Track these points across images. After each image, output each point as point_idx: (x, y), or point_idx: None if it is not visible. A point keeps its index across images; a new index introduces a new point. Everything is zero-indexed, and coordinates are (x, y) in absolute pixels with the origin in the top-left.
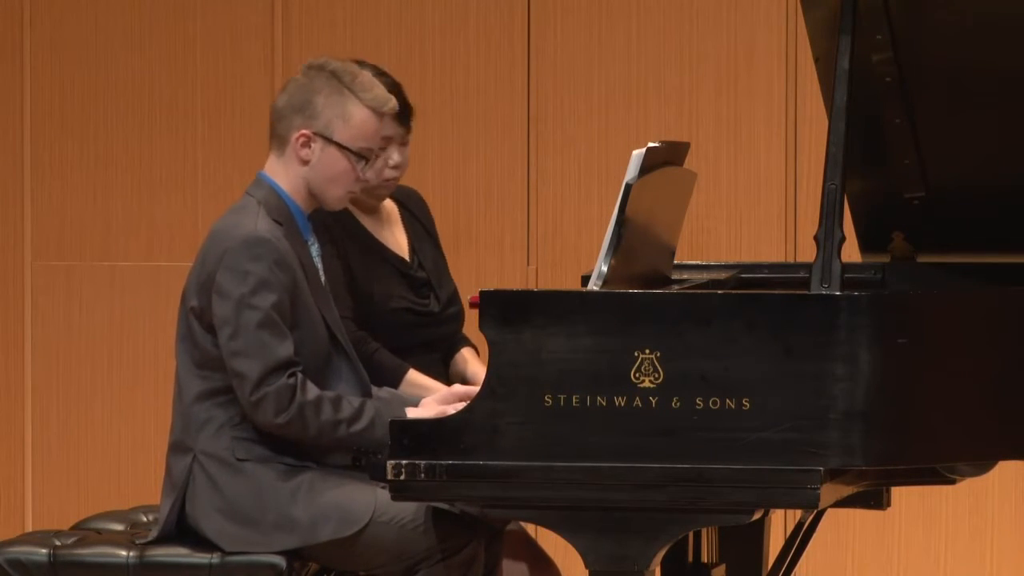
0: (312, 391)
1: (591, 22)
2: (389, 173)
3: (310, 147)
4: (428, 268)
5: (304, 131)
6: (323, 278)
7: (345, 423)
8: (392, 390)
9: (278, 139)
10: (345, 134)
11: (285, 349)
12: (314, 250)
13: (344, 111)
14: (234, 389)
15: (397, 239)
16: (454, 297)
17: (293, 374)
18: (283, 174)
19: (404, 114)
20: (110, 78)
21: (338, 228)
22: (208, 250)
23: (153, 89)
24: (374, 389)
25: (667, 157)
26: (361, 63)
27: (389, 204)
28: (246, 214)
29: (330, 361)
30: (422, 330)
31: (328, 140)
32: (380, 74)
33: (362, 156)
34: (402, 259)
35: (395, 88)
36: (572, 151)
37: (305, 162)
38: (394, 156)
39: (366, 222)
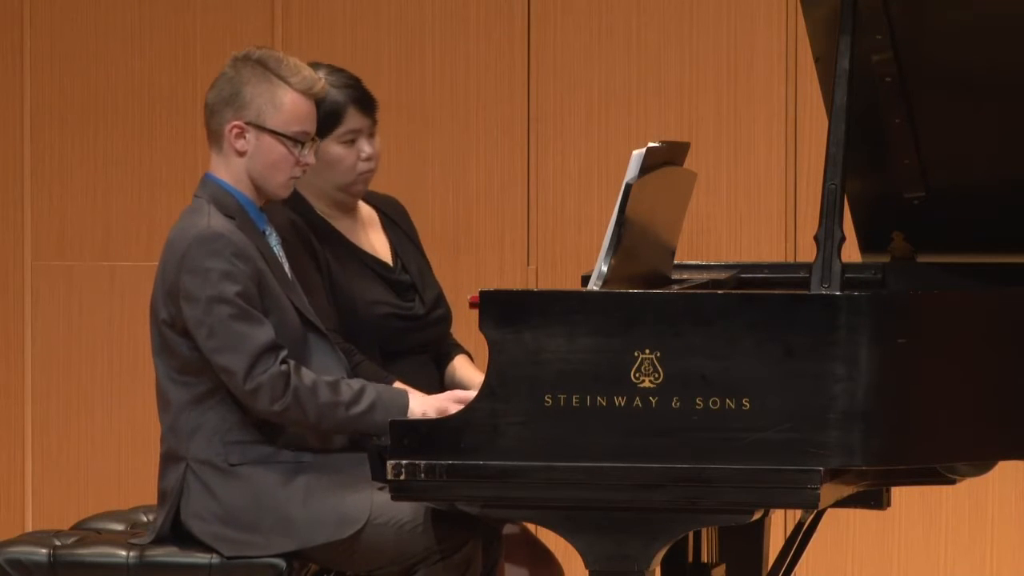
0: (308, 376)
1: (591, 22)
2: (363, 166)
3: (244, 137)
4: (412, 272)
5: (236, 122)
6: (286, 267)
7: (344, 406)
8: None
9: (214, 135)
10: (277, 120)
11: (265, 334)
12: (273, 239)
13: (273, 97)
14: (220, 390)
15: (378, 243)
16: (440, 300)
17: (285, 360)
18: (225, 169)
19: (368, 105)
20: (110, 78)
21: (317, 237)
22: (167, 258)
23: (153, 89)
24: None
25: (667, 157)
26: (314, 64)
27: (367, 210)
28: (198, 215)
29: (306, 342)
30: (410, 334)
31: (261, 128)
32: (335, 71)
33: (297, 140)
34: (384, 263)
35: (354, 82)
36: (572, 151)
37: (242, 153)
38: (365, 148)
39: (344, 229)
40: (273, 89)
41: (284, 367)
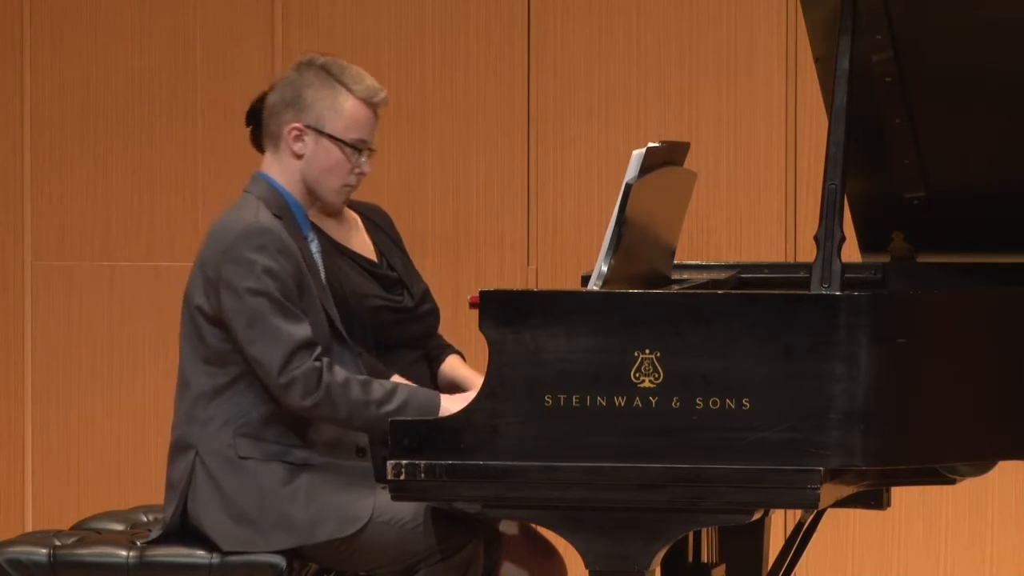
0: (340, 373)
1: (591, 22)
2: None
3: (303, 140)
4: (397, 268)
5: (296, 124)
6: (323, 274)
7: (375, 404)
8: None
9: (271, 135)
10: (337, 125)
11: (302, 330)
12: (314, 246)
13: (335, 102)
14: (241, 382)
15: (363, 243)
16: (427, 295)
17: (319, 357)
18: (279, 170)
19: None
20: (110, 78)
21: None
22: (210, 247)
23: (153, 89)
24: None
25: (667, 157)
26: None
27: (351, 214)
28: (246, 209)
29: (332, 352)
30: (401, 327)
31: (320, 132)
32: None
33: (356, 147)
34: (370, 260)
35: None
36: (572, 151)
37: (299, 156)
38: None
39: (331, 230)
40: (335, 95)
41: (318, 363)
